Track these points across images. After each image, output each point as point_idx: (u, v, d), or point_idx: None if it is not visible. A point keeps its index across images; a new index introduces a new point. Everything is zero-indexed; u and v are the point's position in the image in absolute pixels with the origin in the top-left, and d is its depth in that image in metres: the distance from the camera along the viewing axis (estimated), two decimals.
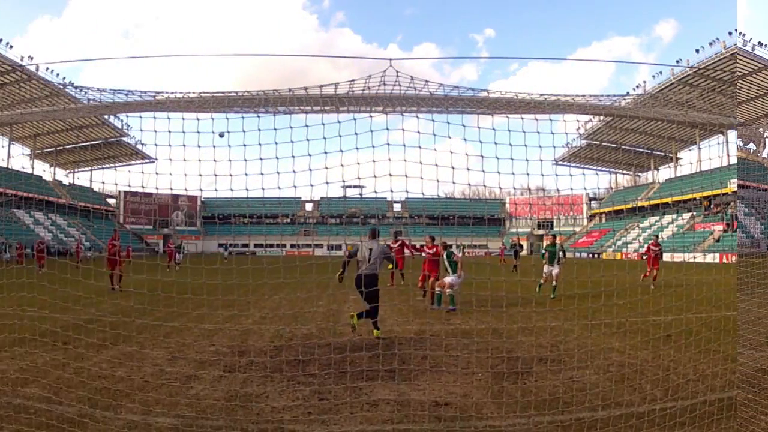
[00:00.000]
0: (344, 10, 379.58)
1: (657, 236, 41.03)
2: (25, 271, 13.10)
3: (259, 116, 9.76)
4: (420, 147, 9.40)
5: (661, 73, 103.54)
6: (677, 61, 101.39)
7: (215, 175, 9.92)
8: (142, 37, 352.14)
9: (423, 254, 29.09)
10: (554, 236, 31.60)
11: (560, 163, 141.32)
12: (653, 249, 34.27)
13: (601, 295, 19.93)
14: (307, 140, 9.48)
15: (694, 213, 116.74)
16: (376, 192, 9.50)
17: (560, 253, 28.66)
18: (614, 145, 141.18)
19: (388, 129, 9.23)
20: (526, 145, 9.51)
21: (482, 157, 9.70)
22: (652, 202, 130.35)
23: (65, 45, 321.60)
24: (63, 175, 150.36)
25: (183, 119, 9.61)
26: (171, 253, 57.90)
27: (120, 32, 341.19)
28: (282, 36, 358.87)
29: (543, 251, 30.49)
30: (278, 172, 9.55)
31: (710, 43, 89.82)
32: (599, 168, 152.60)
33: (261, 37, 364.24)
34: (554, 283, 26.79)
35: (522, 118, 9.65)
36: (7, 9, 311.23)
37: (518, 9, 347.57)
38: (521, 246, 64.10)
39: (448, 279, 21.73)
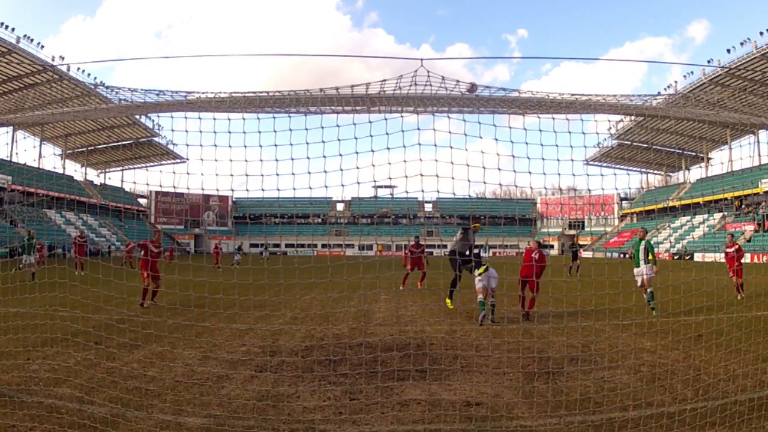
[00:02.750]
0: (378, 11, 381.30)
1: (732, 235, 32.20)
2: (56, 271, 13.13)
3: (290, 116, 9.78)
4: (451, 147, 9.40)
5: (692, 73, 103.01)
6: (708, 61, 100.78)
7: (246, 175, 9.93)
8: (174, 37, 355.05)
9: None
10: (645, 230, 24.44)
11: (591, 163, 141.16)
12: (728, 252, 29.09)
13: (632, 294, 19.85)
14: (339, 140, 9.49)
15: (726, 213, 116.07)
16: (407, 192, 9.48)
17: (648, 252, 22.19)
18: (645, 145, 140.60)
19: (419, 129, 9.23)
20: (557, 145, 9.49)
21: (513, 157, 9.69)
22: (683, 202, 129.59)
23: (98, 45, 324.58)
24: (94, 175, 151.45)
25: (214, 119, 9.64)
26: (218, 254, 57.00)
27: (153, 32, 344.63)
28: (315, 36, 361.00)
29: (635, 247, 23.10)
30: (309, 172, 9.56)
31: (741, 43, 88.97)
32: (630, 168, 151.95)
33: (294, 37, 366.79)
34: (649, 289, 20.96)
35: (553, 118, 9.63)
36: (40, 9, 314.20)
37: (551, 9, 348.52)
38: (580, 246, 58.94)
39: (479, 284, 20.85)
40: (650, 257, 22.04)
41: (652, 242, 23.84)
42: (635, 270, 22.19)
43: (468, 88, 10.09)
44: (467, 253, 20.73)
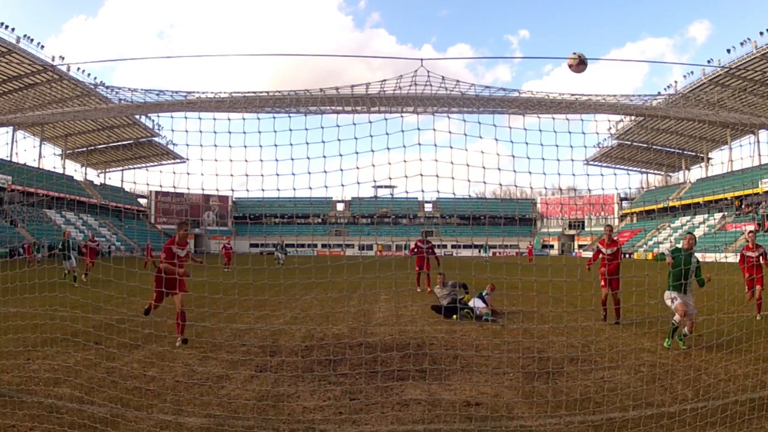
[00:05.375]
0: (380, 11, 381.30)
1: (753, 231, 23.01)
2: (56, 271, 13.13)
3: (290, 116, 9.78)
4: (451, 147, 9.41)
5: (692, 73, 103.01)
6: (708, 62, 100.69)
7: (247, 175, 9.95)
8: (176, 37, 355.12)
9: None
10: (693, 236, 15.92)
11: (591, 163, 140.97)
12: (748, 255, 21.43)
13: (633, 294, 19.88)
14: (339, 140, 9.49)
15: (726, 213, 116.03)
16: (407, 192, 9.50)
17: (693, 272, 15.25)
18: (645, 145, 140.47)
19: (419, 129, 9.23)
20: (557, 145, 9.50)
21: (513, 157, 9.69)
22: (683, 202, 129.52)
23: (100, 45, 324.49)
24: (94, 175, 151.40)
25: (214, 119, 9.65)
26: (229, 254, 56.27)
27: (155, 32, 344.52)
28: (317, 37, 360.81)
29: (672, 266, 15.29)
30: (309, 172, 9.58)
31: (741, 43, 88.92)
32: (630, 168, 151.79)
33: (296, 37, 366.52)
34: (685, 330, 14.62)
35: (553, 118, 9.63)
36: (42, 9, 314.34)
37: (553, 10, 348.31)
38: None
39: (479, 304, 20.91)
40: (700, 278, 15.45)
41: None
42: (680, 297, 14.84)
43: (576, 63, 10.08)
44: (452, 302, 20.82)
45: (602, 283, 19.47)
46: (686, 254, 15.35)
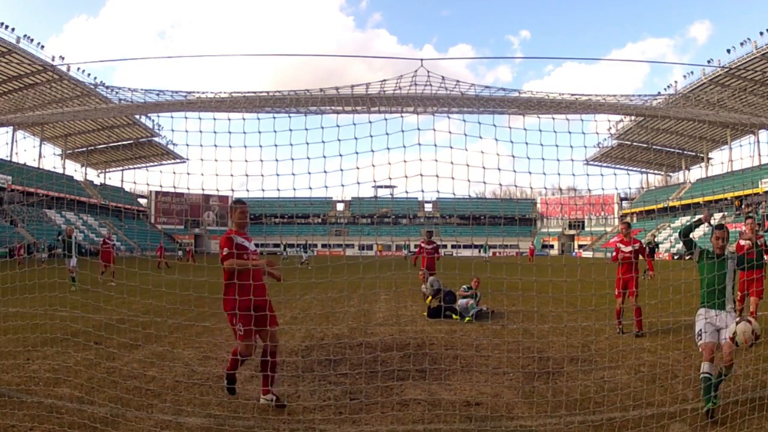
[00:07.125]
0: (381, 11, 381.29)
1: (752, 217, 18.69)
2: (56, 271, 13.09)
3: (290, 116, 9.76)
4: (451, 147, 9.38)
5: (692, 73, 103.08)
6: (708, 62, 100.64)
7: (247, 175, 9.93)
8: (177, 37, 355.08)
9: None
10: (723, 232, 11.44)
11: (591, 163, 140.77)
12: (742, 243, 17.47)
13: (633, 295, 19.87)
14: (339, 140, 9.45)
15: (726, 213, 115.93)
16: (407, 192, 9.47)
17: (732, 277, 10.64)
18: (645, 145, 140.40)
19: (419, 129, 9.20)
20: (557, 145, 9.47)
21: (513, 157, 9.66)
22: (683, 202, 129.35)
23: (101, 45, 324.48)
24: (94, 175, 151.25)
25: (214, 119, 9.62)
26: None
27: (156, 32, 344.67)
28: (318, 37, 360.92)
29: (705, 265, 10.86)
30: (309, 173, 9.54)
31: (741, 43, 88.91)
32: (630, 168, 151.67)
33: (297, 37, 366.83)
34: (722, 367, 9.55)
35: (553, 118, 9.61)
36: (43, 9, 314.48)
37: (554, 11, 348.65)
38: (657, 245, 52.39)
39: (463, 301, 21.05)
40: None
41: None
42: (714, 316, 9.99)
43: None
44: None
45: (617, 291, 18.01)
46: (718, 259, 10.72)
